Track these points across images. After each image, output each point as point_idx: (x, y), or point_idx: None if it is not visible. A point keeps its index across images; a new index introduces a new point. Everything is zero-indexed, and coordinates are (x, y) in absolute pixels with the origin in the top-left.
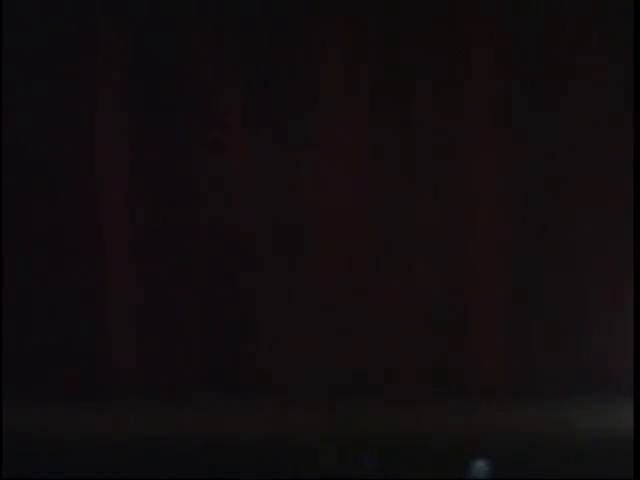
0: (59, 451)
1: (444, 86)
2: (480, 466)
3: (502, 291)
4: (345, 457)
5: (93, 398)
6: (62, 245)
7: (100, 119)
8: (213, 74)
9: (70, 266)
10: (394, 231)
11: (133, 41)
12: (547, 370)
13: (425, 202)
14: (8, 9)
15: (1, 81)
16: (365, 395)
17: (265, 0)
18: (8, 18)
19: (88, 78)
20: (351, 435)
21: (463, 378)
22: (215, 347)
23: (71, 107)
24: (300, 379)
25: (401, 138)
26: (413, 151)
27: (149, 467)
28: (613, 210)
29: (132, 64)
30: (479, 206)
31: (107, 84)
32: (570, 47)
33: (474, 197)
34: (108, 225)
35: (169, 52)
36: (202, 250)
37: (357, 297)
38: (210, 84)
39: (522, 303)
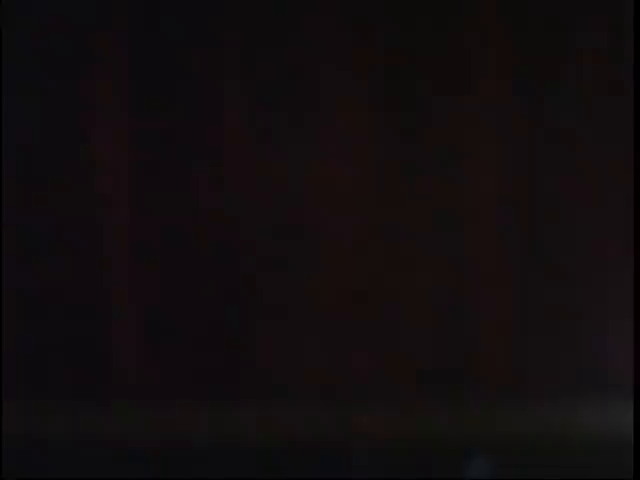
0: (59, 451)
1: (446, 88)
2: (480, 466)
3: (502, 291)
4: (345, 457)
5: (93, 398)
6: (62, 245)
7: (99, 119)
8: (213, 74)
9: (70, 265)
10: (395, 232)
11: (132, 41)
12: (547, 370)
13: (427, 203)
14: (8, 9)
15: (1, 81)
16: (365, 395)
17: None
18: (7, 18)
19: (87, 78)
20: (351, 435)
21: (464, 378)
22: (215, 347)
23: (70, 107)
24: (300, 379)
25: (402, 137)
26: (415, 152)
27: (148, 467)
28: (613, 211)
29: (131, 64)
30: (481, 207)
31: (106, 84)
32: (570, 48)
33: (476, 199)
34: (108, 224)
35: (168, 51)
36: (202, 250)
37: (358, 298)
38: (210, 84)
39: (522, 304)
